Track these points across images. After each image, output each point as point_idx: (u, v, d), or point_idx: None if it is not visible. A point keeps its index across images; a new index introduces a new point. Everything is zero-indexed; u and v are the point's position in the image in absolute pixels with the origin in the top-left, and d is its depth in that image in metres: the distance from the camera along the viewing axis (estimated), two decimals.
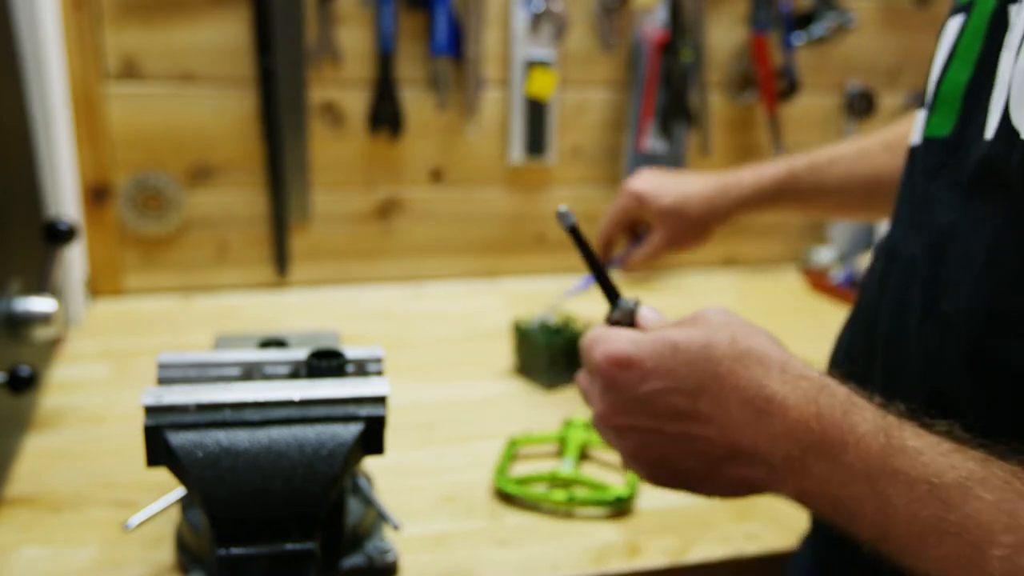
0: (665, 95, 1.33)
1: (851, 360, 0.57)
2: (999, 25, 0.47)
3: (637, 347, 0.48)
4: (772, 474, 0.44)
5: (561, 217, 0.56)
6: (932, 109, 0.52)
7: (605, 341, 0.50)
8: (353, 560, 0.64)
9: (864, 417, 0.41)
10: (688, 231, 0.92)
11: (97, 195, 1.20)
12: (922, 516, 0.37)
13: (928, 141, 0.53)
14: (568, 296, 1.06)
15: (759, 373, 0.45)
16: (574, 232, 0.56)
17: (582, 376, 0.54)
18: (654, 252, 0.94)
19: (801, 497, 0.44)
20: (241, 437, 0.52)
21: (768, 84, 1.38)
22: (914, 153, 0.55)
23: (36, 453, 0.81)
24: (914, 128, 0.56)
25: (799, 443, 0.43)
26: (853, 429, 0.41)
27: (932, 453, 0.39)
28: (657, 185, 0.92)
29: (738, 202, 0.89)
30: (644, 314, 0.55)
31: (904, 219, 0.55)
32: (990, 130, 0.45)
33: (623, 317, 0.55)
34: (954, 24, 0.52)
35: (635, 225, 0.97)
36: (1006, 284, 0.43)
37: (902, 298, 0.51)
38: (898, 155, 0.70)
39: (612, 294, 0.56)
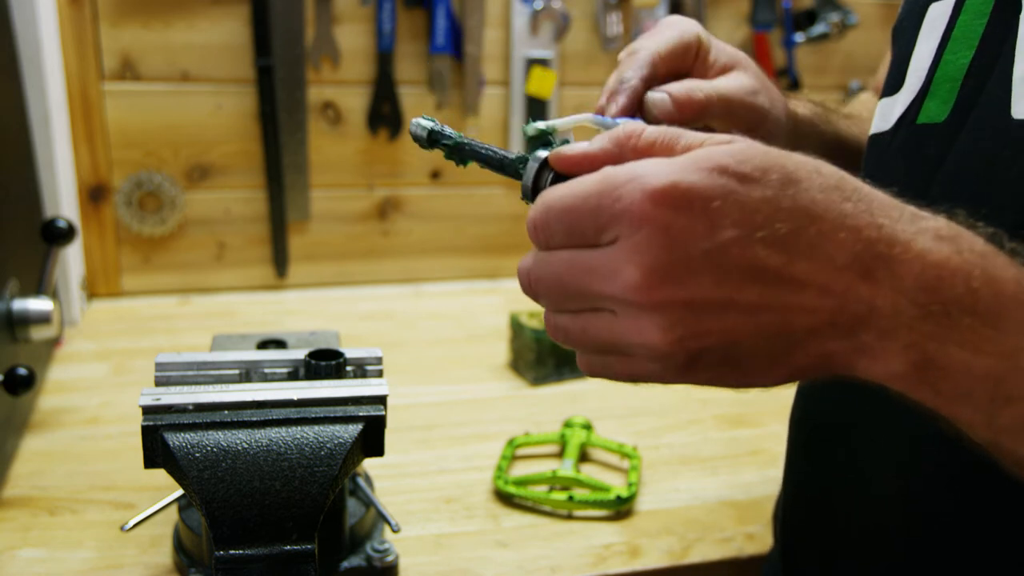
0: None
1: None
2: (1008, 5, 0.46)
3: (690, 176, 0.34)
4: (874, 344, 0.34)
5: (418, 134, 0.46)
6: (927, 95, 0.51)
7: (636, 176, 0.34)
8: (352, 561, 0.64)
9: (1012, 273, 0.34)
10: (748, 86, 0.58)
11: (95, 195, 1.19)
12: None
13: (920, 127, 0.51)
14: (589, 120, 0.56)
15: (868, 208, 0.35)
16: (438, 138, 0.46)
17: (572, 255, 0.37)
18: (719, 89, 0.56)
19: (915, 370, 0.34)
20: (240, 438, 0.52)
21: None
22: (887, 140, 0.54)
23: (34, 454, 0.81)
24: (881, 115, 0.55)
25: (941, 295, 0.33)
26: (1019, 280, 0.34)
27: None
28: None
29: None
30: (579, 146, 0.41)
31: None
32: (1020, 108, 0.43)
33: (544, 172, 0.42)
34: (940, 9, 0.51)
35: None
36: None
37: None
38: (856, 125, 0.67)
39: (511, 159, 0.45)
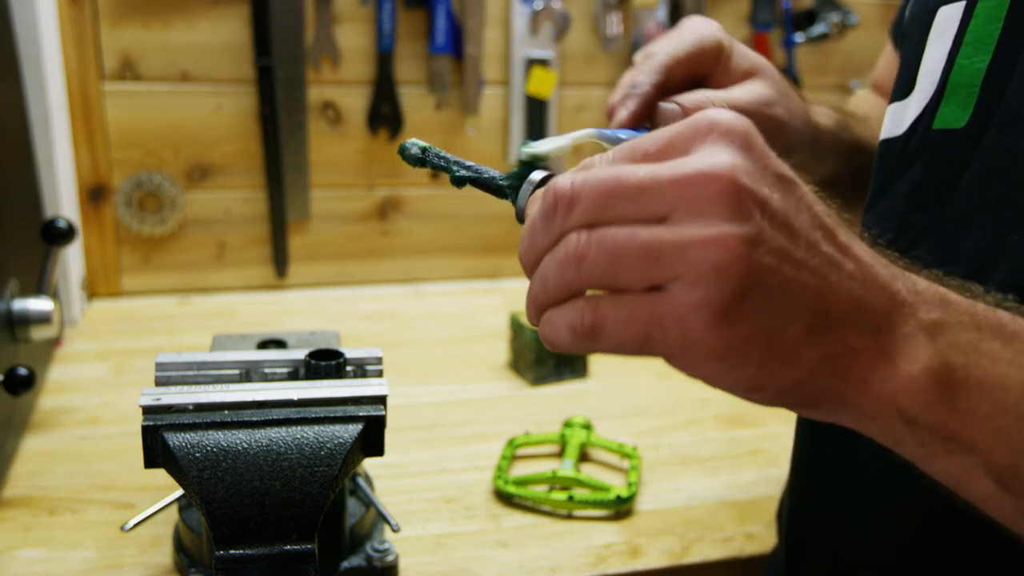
0: None
1: None
2: (1023, 10, 0.46)
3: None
4: (895, 348, 0.35)
5: (407, 152, 0.47)
6: (941, 100, 0.50)
7: (725, 110, 0.36)
8: (352, 561, 0.64)
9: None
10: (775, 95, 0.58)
11: (95, 195, 1.19)
12: None
13: (938, 133, 0.50)
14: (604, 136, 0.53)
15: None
16: (427, 157, 0.47)
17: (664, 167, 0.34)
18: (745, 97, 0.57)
19: (935, 383, 0.35)
20: (240, 438, 0.52)
21: None
22: (900, 145, 0.53)
23: (34, 454, 0.81)
24: (893, 120, 0.54)
25: (952, 309, 0.36)
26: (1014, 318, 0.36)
27: None
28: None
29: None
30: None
31: (925, 212, 0.50)
32: None
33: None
34: (950, 12, 0.50)
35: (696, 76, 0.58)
36: None
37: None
38: (869, 130, 0.66)
39: (503, 183, 0.45)
